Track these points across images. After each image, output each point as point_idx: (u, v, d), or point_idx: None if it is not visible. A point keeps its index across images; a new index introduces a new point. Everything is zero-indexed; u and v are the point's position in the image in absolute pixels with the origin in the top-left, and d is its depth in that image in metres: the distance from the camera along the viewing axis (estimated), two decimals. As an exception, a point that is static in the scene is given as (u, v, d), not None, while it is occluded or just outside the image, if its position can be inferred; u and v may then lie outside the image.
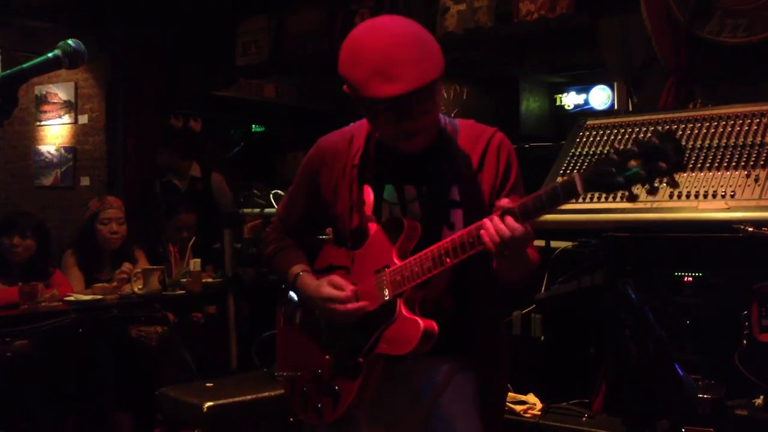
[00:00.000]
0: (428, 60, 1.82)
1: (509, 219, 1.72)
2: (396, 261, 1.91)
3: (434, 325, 1.85)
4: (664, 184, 1.58)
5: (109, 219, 4.64)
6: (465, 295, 2.00)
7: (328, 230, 2.22)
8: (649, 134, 1.58)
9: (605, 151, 2.94)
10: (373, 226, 2.00)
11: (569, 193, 1.66)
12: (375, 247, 1.98)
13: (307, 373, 2.09)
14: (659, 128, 1.58)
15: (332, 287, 1.98)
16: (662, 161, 1.53)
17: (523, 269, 1.91)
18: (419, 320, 1.85)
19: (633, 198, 1.59)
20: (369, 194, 2.02)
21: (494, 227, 1.72)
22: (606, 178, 1.59)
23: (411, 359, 1.91)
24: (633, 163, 1.56)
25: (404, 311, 1.88)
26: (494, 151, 2.00)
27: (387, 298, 1.91)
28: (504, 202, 1.76)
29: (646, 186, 1.57)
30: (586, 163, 2.97)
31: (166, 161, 6.11)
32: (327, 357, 2.04)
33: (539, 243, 3.99)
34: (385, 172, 2.02)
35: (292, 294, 2.19)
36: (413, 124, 1.86)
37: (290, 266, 2.13)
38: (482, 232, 1.74)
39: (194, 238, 5.01)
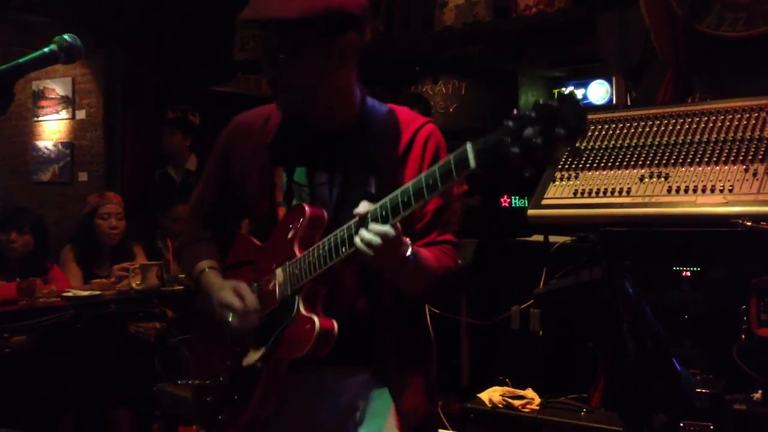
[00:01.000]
0: (300, 1, 1.64)
1: (373, 225, 1.55)
2: (297, 253, 1.73)
3: (332, 324, 1.67)
4: (567, 152, 1.38)
5: (109, 214, 4.64)
6: (380, 297, 1.79)
7: (244, 223, 2.08)
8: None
9: (603, 146, 2.93)
10: (281, 213, 1.83)
11: (460, 167, 1.44)
12: (279, 238, 1.79)
13: (212, 380, 1.91)
14: (562, 90, 1.36)
15: (234, 295, 1.79)
16: (560, 127, 1.32)
17: (416, 280, 1.70)
18: (315, 318, 1.67)
19: (525, 160, 1.36)
20: (280, 177, 1.83)
21: (360, 236, 1.56)
22: (500, 148, 1.37)
23: (322, 370, 1.76)
24: (530, 130, 1.33)
25: (303, 309, 1.70)
26: (421, 142, 1.80)
27: (286, 295, 1.73)
28: (362, 208, 1.59)
29: (544, 157, 1.36)
30: (584, 158, 2.97)
31: (168, 145, 6.08)
32: (228, 362, 1.85)
33: (538, 238, 3.99)
34: (299, 154, 1.83)
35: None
36: (274, 71, 1.72)
37: (197, 261, 1.94)
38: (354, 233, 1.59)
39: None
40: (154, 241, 5.16)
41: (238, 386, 1.82)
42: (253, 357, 1.78)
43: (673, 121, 2.92)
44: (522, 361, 3.82)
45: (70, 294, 4.18)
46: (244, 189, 1.88)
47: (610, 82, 6.96)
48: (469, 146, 1.43)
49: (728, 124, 2.80)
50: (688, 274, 2.67)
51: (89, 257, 4.65)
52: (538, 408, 2.92)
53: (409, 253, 1.62)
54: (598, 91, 7.21)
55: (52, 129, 7.05)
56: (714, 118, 2.86)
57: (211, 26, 6.14)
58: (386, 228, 1.54)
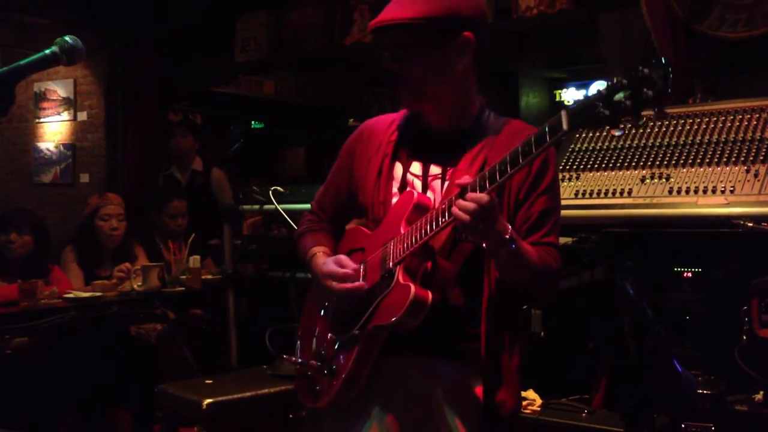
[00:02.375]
0: (423, 4, 1.82)
1: (470, 192, 1.67)
2: (402, 231, 1.85)
3: (427, 294, 1.76)
4: (653, 117, 1.53)
5: (110, 215, 4.64)
6: (476, 292, 1.86)
7: (355, 221, 2.18)
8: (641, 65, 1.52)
9: (605, 147, 2.93)
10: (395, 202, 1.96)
11: (554, 129, 1.58)
12: (388, 222, 1.92)
13: (314, 357, 2.01)
14: (650, 57, 1.50)
15: (336, 265, 1.92)
16: (648, 89, 1.47)
17: (516, 266, 1.76)
18: (411, 286, 1.76)
19: (619, 130, 1.54)
20: (399, 171, 1.98)
21: (456, 203, 1.68)
22: (592, 111, 1.52)
23: (411, 358, 1.83)
24: (621, 95, 1.49)
25: (401, 278, 1.80)
26: None
27: (388, 267, 1.84)
28: (464, 179, 1.70)
29: (634, 118, 1.51)
30: (585, 159, 2.97)
31: (178, 148, 6.07)
32: (330, 335, 1.97)
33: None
34: (417, 150, 1.98)
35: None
36: (395, 68, 1.85)
37: (311, 247, 2.08)
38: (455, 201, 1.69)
39: (194, 235, 5.01)
40: (155, 241, 5.16)
41: (336, 356, 1.91)
42: (352, 326, 1.87)
43: (674, 122, 2.92)
44: (523, 362, 3.81)
45: (71, 295, 4.18)
46: (364, 182, 2.00)
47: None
48: (563, 112, 1.57)
49: (729, 125, 2.80)
50: (690, 274, 2.67)
51: (90, 258, 4.65)
52: (539, 409, 2.91)
53: (508, 235, 1.71)
54: (599, 92, 7.20)
55: (54, 130, 7.06)
56: (715, 119, 2.86)
57: (212, 27, 6.14)
58: (480, 195, 1.64)
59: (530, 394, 3.04)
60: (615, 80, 1.51)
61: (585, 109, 1.54)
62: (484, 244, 1.79)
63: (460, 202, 1.66)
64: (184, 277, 4.63)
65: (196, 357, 4.42)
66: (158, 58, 6.45)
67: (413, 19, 1.80)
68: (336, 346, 1.93)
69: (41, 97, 7.10)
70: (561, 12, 4.37)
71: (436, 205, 1.82)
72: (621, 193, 2.74)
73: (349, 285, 1.88)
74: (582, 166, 2.93)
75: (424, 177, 1.94)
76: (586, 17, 4.29)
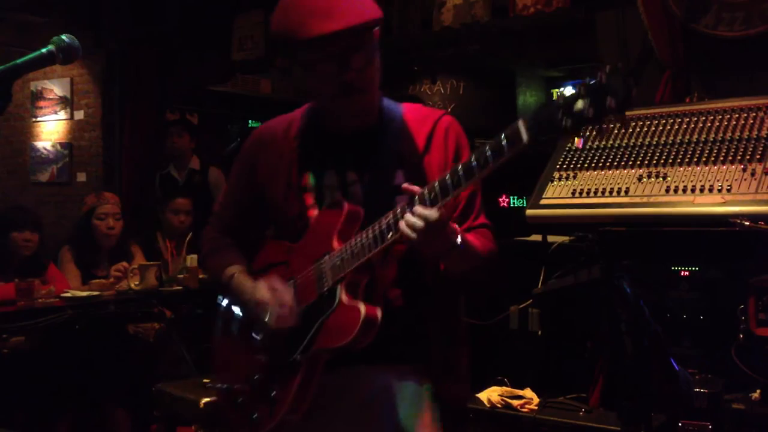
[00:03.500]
0: (362, 3, 1.74)
1: (418, 207, 1.60)
2: (336, 246, 1.76)
3: (376, 312, 1.69)
4: (615, 124, 1.45)
5: (106, 214, 4.63)
6: (416, 291, 1.83)
7: (268, 232, 2.08)
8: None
9: (602, 146, 2.93)
10: (313, 214, 1.86)
11: (513, 142, 1.50)
12: (315, 236, 1.83)
13: (243, 381, 1.90)
14: (606, 65, 1.44)
15: (269, 291, 1.82)
16: (611, 98, 1.40)
17: (463, 263, 1.75)
18: (360, 305, 1.69)
19: (577, 131, 1.45)
20: (308, 180, 1.88)
21: (404, 219, 1.61)
22: (552, 121, 1.44)
23: (356, 367, 1.78)
24: (580, 104, 1.42)
25: (345, 297, 1.72)
26: (442, 133, 1.86)
27: (327, 286, 1.75)
28: (413, 188, 1.63)
29: (596, 127, 1.44)
30: (582, 158, 2.97)
31: (175, 147, 6.07)
32: (263, 359, 1.85)
33: (536, 237, 4.00)
34: (325, 156, 1.88)
35: (222, 298, 2.04)
36: (353, 75, 1.74)
37: (225, 267, 1.97)
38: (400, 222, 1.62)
39: (191, 234, 5.01)
40: (153, 241, 5.15)
41: (275, 382, 1.81)
42: (291, 350, 1.78)
43: (671, 120, 2.92)
44: (520, 361, 3.81)
45: (68, 294, 4.18)
46: (272, 195, 1.91)
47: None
48: (520, 122, 1.49)
49: (726, 123, 2.80)
50: (687, 273, 2.67)
51: (87, 258, 4.65)
52: (536, 408, 2.91)
53: (459, 240, 1.68)
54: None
55: (51, 129, 7.05)
56: (712, 117, 2.86)
57: (209, 26, 6.14)
58: (429, 211, 1.58)
59: (528, 392, 3.05)
60: (574, 91, 1.45)
61: (545, 119, 1.46)
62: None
63: (409, 218, 1.60)
64: (181, 276, 4.62)
65: (194, 356, 4.41)
66: (155, 57, 6.44)
67: (370, 21, 1.73)
68: (272, 371, 1.83)
69: (38, 95, 7.09)
70: (558, 11, 4.37)
71: (365, 214, 1.77)
72: (618, 192, 2.74)
73: (287, 314, 1.79)
74: (578, 165, 2.92)
75: (342, 184, 1.86)
76: (583, 16, 4.29)
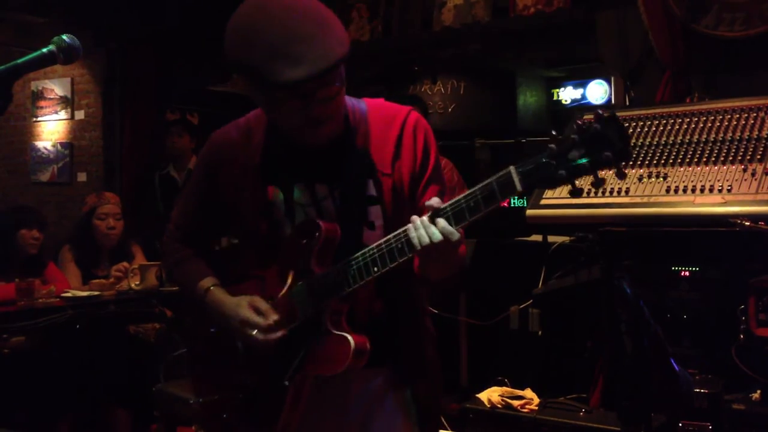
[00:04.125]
0: (331, 36, 1.61)
1: (441, 222, 1.55)
2: (315, 269, 1.72)
3: (365, 342, 1.68)
4: (612, 176, 1.41)
5: (107, 214, 4.63)
6: (394, 298, 1.82)
7: (225, 240, 2.05)
8: (590, 118, 1.41)
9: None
10: (285, 230, 1.80)
11: (506, 190, 1.47)
12: (291, 255, 1.77)
13: (227, 398, 1.88)
14: (600, 111, 1.39)
15: (253, 311, 1.77)
16: (607, 150, 1.36)
17: (451, 268, 1.73)
18: (348, 337, 1.67)
19: (577, 193, 1.42)
20: (276, 195, 1.80)
21: (425, 230, 1.56)
22: (546, 171, 1.41)
23: (343, 375, 1.74)
24: (575, 153, 1.38)
25: (330, 327, 1.70)
26: (410, 135, 1.79)
27: (310, 312, 1.72)
28: (434, 201, 1.57)
29: (591, 178, 1.40)
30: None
31: (174, 147, 6.06)
32: (248, 380, 1.83)
33: (537, 238, 4.00)
34: (291, 171, 1.80)
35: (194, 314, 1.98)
36: (320, 109, 1.65)
37: (198, 280, 1.90)
38: (412, 235, 1.57)
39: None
40: (153, 241, 5.15)
41: (263, 404, 1.80)
42: (279, 376, 1.76)
43: (672, 121, 2.92)
44: (521, 361, 3.82)
45: (69, 294, 4.18)
46: (238, 210, 1.84)
47: (609, 82, 6.97)
48: (512, 170, 1.45)
49: (726, 124, 2.80)
50: (687, 273, 2.67)
51: (88, 258, 4.65)
52: (537, 408, 2.91)
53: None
54: (597, 91, 7.22)
55: (51, 129, 7.05)
56: (712, 118, 2.86)
57: (209, 26, 6.13)
58: (453, 229, 1.54)
59: (528, 392, 3.05)
60: (566, 136, 1.41)
61: (538, 168, 1.43)
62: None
63: (431, 230, 1.55)
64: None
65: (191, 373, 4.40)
66: (155, 57, 6.44)
67: (345, 56, 1.63)
68: (259, 393, 1.82)
69: (38, 95, 7.10)
70: (558, 11, 4.37)
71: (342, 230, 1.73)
72: (618, 192, 2.74)
73: (272, 338, 1.75)
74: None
75: (314, 200, 1.80)
76: (584, 16, 4.30)
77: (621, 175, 1.40)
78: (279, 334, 1.74)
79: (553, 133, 1.43)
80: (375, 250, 1.64)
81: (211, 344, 1.93)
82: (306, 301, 1.74)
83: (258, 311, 1.76)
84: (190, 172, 6.04)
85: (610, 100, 6.91)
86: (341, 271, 1.68)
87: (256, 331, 1.75)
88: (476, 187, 1.51)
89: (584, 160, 1.38)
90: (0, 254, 4.38)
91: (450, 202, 1.55)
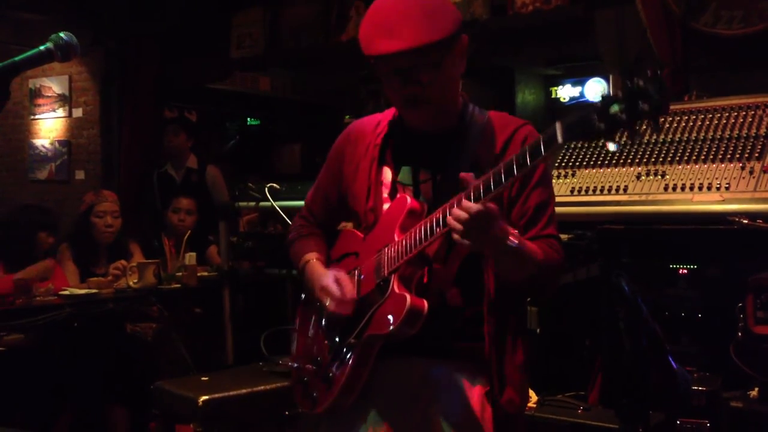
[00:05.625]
0: (434, 22, 1.76)
1: (464, 201, 1.63)
2: (396, 237, 1.83)
3: (423, 303, 1.75)
4: (647, 129, 1.49)
5: (105, 212, 4.63)
6: (476, 291, 1.85)
7: (343, 224, 2.17)
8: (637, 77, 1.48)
9: (601, 144, 2.94)
10: (386, 208, 1.93)
11: (548, 143, 1.55)
12: (382, 228, 1.91)
13: (309, 361, 2.02)
14: (649, 70, 1.46)
15: (333, 280, 1.90)
16: (644, 102, 1.43)
17: (519, 267, 1.75)
18: (407, 295, 1.75)
19: (611, 141, 1.48)
20: (387, 175, 1.95)
21: (452, 212, 1.64)
22: (586, 124, 1.49)
23: (409, 359, 1.82)
24: (615, 107, 1.45)
25: (396, 287, 1.78)
26: (519, 142, 1.88)
27: (383, 276, 1.82)
28: (467, 175, 1.68)
29: (629, 131, 1.47)
30: (581, 156, 2.97)
31: (172, 145, 6.06)
32: (325, 342, 1.96)
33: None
34: (405, 154, 1.95)
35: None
36: (417, 89, 1.80)
37: (303, 254, 2.07)
38: (450, 210, 1.66)
39: (189, 231, 5.01)
40: (151, 239, 5.15)
41: (333, 363, 1.91)
42: (348, 335, 1.87)
43: (670, 119, 2.93)
44: (527, 359, 3.81)
45: (66, 292, 4.18)
46: (354, 186, 1.99)
47: (607, 80, 6.97)
48: (557, 124, 1.53)
49: (725, 122, 2.80)
50: (685, 271, 2.67)
51: (86, 255, 4.65)
52: (535, 406, 2.91)
53: (509, 241, 1.69)
54: (595, 89, 7.23)
55: (49, 127, 7.05)
56: (710, 116, 2.86)
57: (208, 23, 6.13)
58: (471, 204, 1.61)
59: (526, 390, 3.04)
60: (610, 92, 1.49)
61: (581, 121, 1.50)
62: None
63: (455, 211, 1.64)
64: (180, 274, 4.62)
65: (192, 354, 4.42)
66: (153, 55, 6.43)
67: (442, 39, 1.76)
68: (332, 354, 1.93)
69: (36, 93, 7.09)
70: (557, 9, 4.37)
71: (430, 211, 1.80)
72: (617, 190, 2.74)
73: (341, 310, 1.87)
74: (578, 163, 2.93)
75: (415, 181, 1.93)
76: (582, 14, 4.29)
77: (656, 129, 1.48)
78: (349, 306, 1.86)
79: (602, 92, 1.51)
80: (440, 212, 1.71)
81: (310, 315, 2.07)
82: (381, 267, 1.84)
83: (338, 282, 1.89)
84: (189, 170, 6.05)
85: (608, 98, 6.91)
86: (412, 236, 1.78)
87: (329, 299, 1.88)
88: (527, 144, 1.60)
89: (622, 114, 1.44)
90: (18, 251, 4.44)
91: (501, 163, 1.63)
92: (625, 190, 2.72)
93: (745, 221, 2.36)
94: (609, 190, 2.76)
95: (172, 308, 4.57)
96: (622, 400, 1.93)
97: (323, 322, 1.99)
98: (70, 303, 4.07)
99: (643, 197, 2.68)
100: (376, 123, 2.03)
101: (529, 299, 2.33)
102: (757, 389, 2.43)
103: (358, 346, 1.85)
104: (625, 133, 1.49)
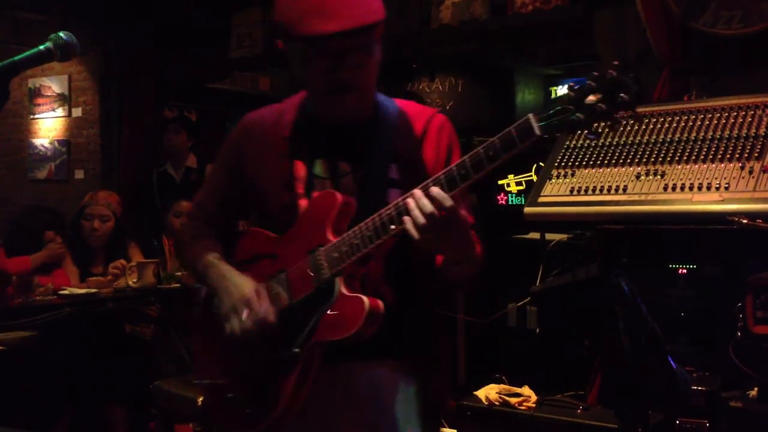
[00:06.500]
0: (369, 2, 1.71)
1: (435, 189, 1.56)
2: (331, 238, 1.73)
3: (379, 303, 1.68)
4: (628, 119, 1.48)
5: (92, 215, 4.58)
6: (405, 288, 1.82)
7: (242, 223, 2.07)
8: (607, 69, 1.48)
9: (600, 143, 2.94)
10: (303, 204, 1.82)
11: (524, 135, 1.51)
12: (306, 226, 1.79)
13: (233, 376, 1.87)
14: (616, 63, 1.48)
15: (255, 292, 1.78)
16: (622, 92, 1.44)
17: (468, 265, 1.73)
18: (363, 297, 1.67)
19: (594, 134, 1.48)
20: (300, 170, 1.84)
21: (417, 201, 1.57)
22: (564, 115, 1.47)
23: (349, 363, 1.77)
24: (592, 98, 1.45)
25: (345, 290, 1.70)
26: (435, 132, 1.85)
27: (325, 278, 1.72)
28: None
29: (608, 122, 1.47)
30: (580, 156, 2.97)
31: (172, 145, 6.06)
32: (256, 354, 1.80)
33: (535, 235, 4.00)
34: (317, 147, 1.85)
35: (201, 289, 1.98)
36: (347, 74, 1.72)
37: (202, 255, 1.91)
38: (408, 200, 1.59)
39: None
40: (151, 238, 5.15)
41: (270, 376, 1.78)
42: (288, 344, 1.75)
43: (669, 118, 2.93)
44: (518, 359, 3.82)
45: (66, 292, 4.18)
46: (261, 184, 1.87)
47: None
48: (531, 117, 1.51)
49: (724, 121, 2.80)
50: (684, 271, 2.67)
51: (82, 256, 4.65)
52: (534, 406, 2.91)
53: (472, 243, 1.67)
54: (595, 89, 7.20)
55: (49, 126, 7.04)
56: (710, 115, 2.86)
57: (207, 23, 6.13)
58: (446, 195, 1.56)
59: (525, 390, 3.05)
60: (584, 84, 1.48)
61: (557, 113, 1.49)
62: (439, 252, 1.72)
63: (424, 202, 1.57)
64: (179, 273, 4.62)
65: (192, 354, 4.41)
66: (153, 54, 6.43)
67: (378, 21, 1.71)
68: (267, 365, 1.79)
69: (36, 93, 7.08)
70: (556, 8, 4.36)
71: (358, 206, 1.75)
72: (616, 190, 2.74)
73: (258, 327, 1.75)
74: (577, 163, 2.93)
75: (334, 175, 1.83)
76: (582, 14, 4.29)
77: (637, 118, 1.50)
78: (275, 314, 1.75)
79: (571, 83, 1.48)
80: (392, 209, 1.65)
81: (217, 324, 1.87)
82: (321, 268, 1.74)
83: (258, 293, 1.77)
84: (188, 169, 6.05)
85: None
86: (357, 234, 1.69)
87: (249, 313, 1.75)
88: (495, 137, 1.55)
89: (602, 103, 1.45)
90: (26, 251, 4.46)
91: (468, 154, 1.58)
92: (625, 190, 2.72)
93: (745, 221, 2.36)
94: (608, 190, 2.75)
95: (172, 308, 4.57)
96: (621, 399, 1.93)
97: (243, 333, 1.79)
98: (70, 302, 4.07)
99: (643, 197, 2.68)
100: (278, 114, 1.92)
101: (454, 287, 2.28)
102: (756, 389, 2.43)
103: (302, 355, 1.74)
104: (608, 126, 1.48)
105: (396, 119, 1.85)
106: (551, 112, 1.49)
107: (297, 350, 1.73)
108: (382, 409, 1.83)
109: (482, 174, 1.56)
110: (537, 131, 1.50)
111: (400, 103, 1.91)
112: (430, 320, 1.88)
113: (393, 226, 1.64)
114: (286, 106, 1.93)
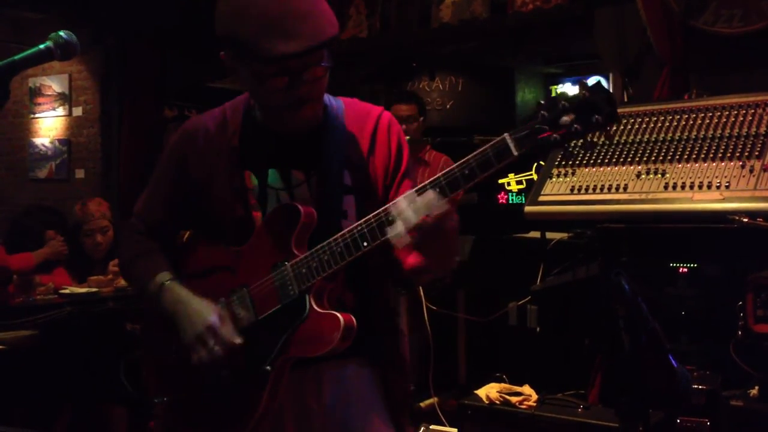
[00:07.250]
0: (323, 16, 1.65)
1: (429, 193, 1.54)
2: (296, 252, 1.70)
3: (353, 319, 1.67)
4: (602, 139, 1.52)
5: (93, 230, 4.54)
6: (365, 290, 1.81)
7: (182, 233, 2.00)
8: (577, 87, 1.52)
9: (601, 142, 2.94)
10: (258, 216, 1.78)
11: (501, 155, 1.52)
12: (267, 240, 1.75)
13: (196, 393, 1.81)
14: (585, 81, 1.53)
15: (219, 318, 1.73)
16: (596, 114, 1.47)
17: (450, 258, 1.69)
18: (337, 314, 1.66)
19: (568, 156, 1.54)
20: (253, 180, 1.79)
21: (408, 203, 1.54)
22: (539, 134, 1.50)
23: (316, 363, 1.75)
24: (566, 118, 1.48)
25: (316, 306, 1.68)
26: (384, 132, 1.83)
27: (293, 295, 1.69)
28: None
29: (581, 141, 1.50)
30: (581, 155, 2.97)
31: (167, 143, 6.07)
32: (222, 371, 1.76)
33: (535, 234, 4.00)
34: (267, 155, 1.80)
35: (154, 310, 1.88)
36: (305, 89, 1.67)
37: (154, 273, 1.83)
38: (392, 208, 1.56)
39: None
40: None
41: (241, 393, 1.75)
42: (259, 362, 1.72)
43: (670, 117, 2.93)
44: (519, 358, 3.82)
45: (66, 291, 4.18)
46: (211, 196, 1.81)
47: (607, 79, 6.93)
48: (507, 137, 1.52)
49: (725, 120, 2.80)
50: (685, 270, 2.67)
51: (83, 267, 4.62)
52: (535, 404, 2.91)
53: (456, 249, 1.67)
54: (595, 88, 7.21)
55: (49, 126, 7.05)
56: (710, 114, 2.86)
57: (207, 22, 6.12)
58: (441, 201, 1.54)
59: (526, 389, 3.05)
60: (555, 103, 1.50)
61: (532, 132, 1.50)
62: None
63: (408, 210, 1.54)
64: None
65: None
66: (153, 53, 6.43)
67: (333, 36, 1.66)
68: (236, 382, 1.76)
69: (36, 92, 7.09)
70: (556, 7, 4.37)
71: (318, 218, 1.72)
72: (616, 189, 2.74)
73: (229, 347, 1.72)
74: (577, 162, 2.93)
75: (288, 185, 1.79)
76: (582, 12, 4.30)
77: (610, 137, 1.50)
78: (239, 340, 1.72)
79: (541, 102, 1.52)
80: (364, 225, 1.62)
81: (174, 344, 1.82)
82: (289, 285, 1.71)
83: (222, 318, 1.74)
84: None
85: (608, 96, 6.90)
86: (327, 250, 1.66)
87: (215, 341, 1.71)
88: (470, 156, 1.54)
89: (576, 123, 1.48)
90: (27, 249, 4.46)
91: (443, 172, 1.56)
92: (625, 188, 2.72)
93: (745, 220, 2.36)
94: (609, 189, 2.76)
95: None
96: (621, 398, 1.93)
97: (212, 362, 1.74)
98: (70, 302, 4.07)
99: (643, 196, 2.68)
100: (221, 121, 1.86)
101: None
102: (757, 388, 2.44)
103: (273, 371, 1.71)
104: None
105: (344, 122, 1.82)
106: (527, 132, 1.51)
107: (268, 368, 1.71)
108: (352, 402, 1.84)
109: (458, 192, 1.55)
110: (515, 152, 1.51)
111: (345, 102, 1.88)
112: (390, 318, 1.91)
113: (365, 243, 1.62)
114: (229, 113, 1.87)
